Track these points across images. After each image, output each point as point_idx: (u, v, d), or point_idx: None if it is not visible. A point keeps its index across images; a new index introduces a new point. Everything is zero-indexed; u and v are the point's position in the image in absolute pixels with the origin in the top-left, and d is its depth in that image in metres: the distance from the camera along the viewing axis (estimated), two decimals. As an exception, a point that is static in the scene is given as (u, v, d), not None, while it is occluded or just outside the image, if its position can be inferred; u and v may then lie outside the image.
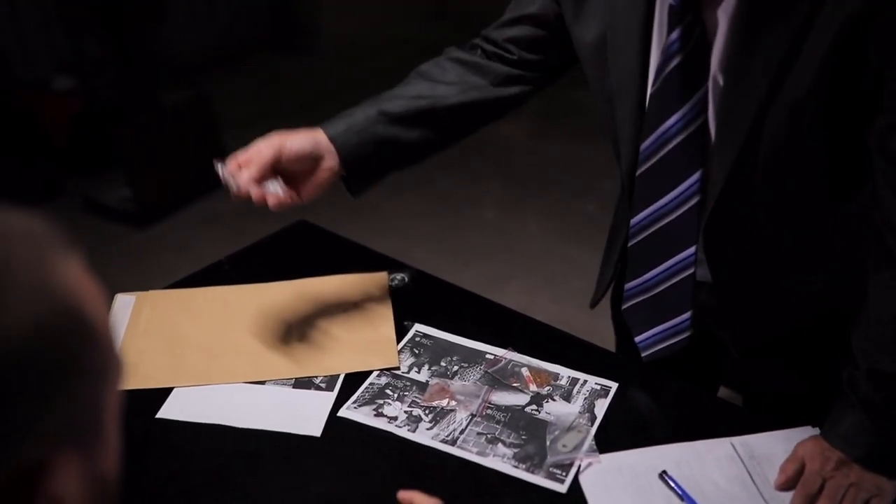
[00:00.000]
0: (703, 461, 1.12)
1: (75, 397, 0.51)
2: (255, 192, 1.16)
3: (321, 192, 1.25)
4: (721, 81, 1.04)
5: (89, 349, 0.52)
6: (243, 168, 1.17)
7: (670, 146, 1.10)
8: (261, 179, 1.16)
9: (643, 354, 1.29)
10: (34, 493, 0.48)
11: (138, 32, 3.77)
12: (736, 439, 1.15)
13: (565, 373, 1.28)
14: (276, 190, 1.18)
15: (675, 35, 1.04)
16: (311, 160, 1.22)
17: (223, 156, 1.23)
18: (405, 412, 1.21)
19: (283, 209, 1.19)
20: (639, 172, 1.16)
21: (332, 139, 1.23)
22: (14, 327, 0.47)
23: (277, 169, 1.18)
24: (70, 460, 0.50)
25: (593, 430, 1.17)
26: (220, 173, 1.19)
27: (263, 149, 1.17)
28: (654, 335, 1.27)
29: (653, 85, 1.09)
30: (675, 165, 1.11)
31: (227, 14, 4.94)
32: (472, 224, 3.50)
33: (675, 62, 1.05)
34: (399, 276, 1.48)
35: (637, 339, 1.29)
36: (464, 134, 1.33)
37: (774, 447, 1.13)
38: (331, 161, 1.23)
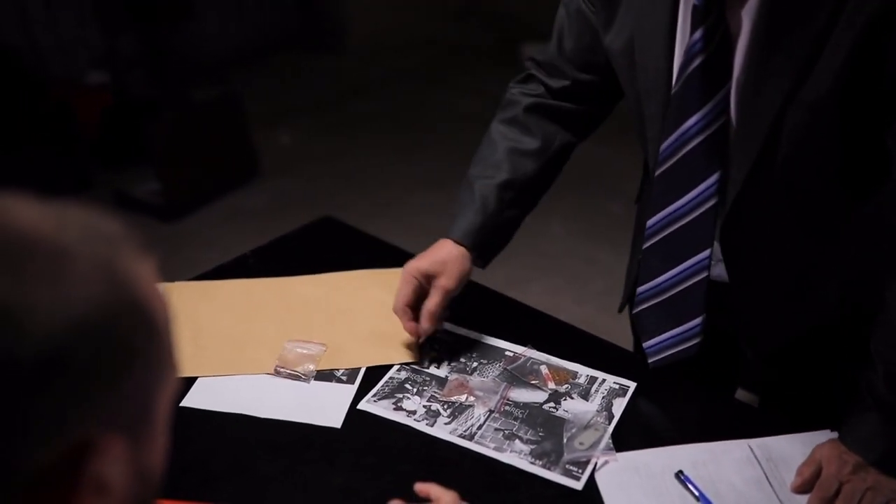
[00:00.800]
0: (720, 462, 1.12)
1: (130, 386, 0.53)
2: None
3: None
4: (743, 81, 1.04)
5: (148, 344, 0.55)
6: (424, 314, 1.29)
7: (690, 146, 1.10)
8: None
9: (650, 361, 1.28)
10: (80, 472, 0.51)
11: (170, 29, 3.82)
12: (753, 441, 1.15)
13: (584, 371, 1.29)
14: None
15: (697, 35, 1.04)
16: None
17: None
18: (424, 406, 1.22)
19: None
20: (657, 173, 1.16)
21: (471, 248, 1.32)
22: (78, 309, 0.50)
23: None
24: (118, 446, 0.52)
25: (610, 428, 1.18)
26: None
27: (438, 292, 1.28)
28: (662, 341, 1.26)
29: (675, 85, 1.10)
30: (694, 166, 1.11)
31: (256, 12, 4.98)
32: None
33: (697, 62, 1.05)
34: (421, 272, 1.49)
35: (645, 344, 1.28)
36: (554, 178, 1.41)
37: (792, 450, 1.13)
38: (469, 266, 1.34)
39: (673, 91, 1.10)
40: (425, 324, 1.27)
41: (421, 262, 1.29)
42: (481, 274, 1.54)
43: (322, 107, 4.49)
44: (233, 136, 3.71)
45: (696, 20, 1.05)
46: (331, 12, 5.17)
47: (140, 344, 0.54)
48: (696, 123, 1.08)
